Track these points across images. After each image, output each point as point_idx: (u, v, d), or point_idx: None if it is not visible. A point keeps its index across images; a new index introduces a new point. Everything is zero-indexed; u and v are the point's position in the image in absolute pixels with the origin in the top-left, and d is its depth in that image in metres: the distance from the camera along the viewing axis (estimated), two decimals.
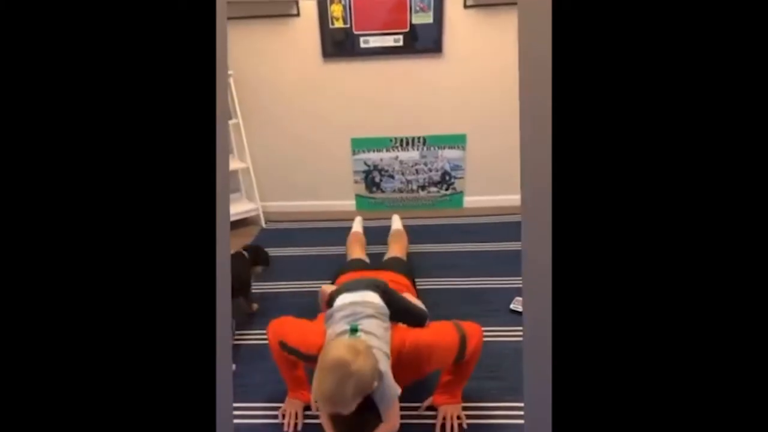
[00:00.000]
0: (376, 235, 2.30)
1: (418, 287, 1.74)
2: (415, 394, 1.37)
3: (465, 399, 1.33)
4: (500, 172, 2.59)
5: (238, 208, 2.65)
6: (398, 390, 1.10)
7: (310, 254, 2.30)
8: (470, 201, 2.76)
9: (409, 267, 1.86)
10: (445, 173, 2.71)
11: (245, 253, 1.82)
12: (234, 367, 1.68)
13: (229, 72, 2.37)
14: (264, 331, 1.67)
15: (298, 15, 2.40)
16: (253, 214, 2.67)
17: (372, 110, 2.59)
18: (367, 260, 1.94)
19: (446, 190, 2.75)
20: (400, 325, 1.27)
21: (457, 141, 2.62)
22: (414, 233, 2.29)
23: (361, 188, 2.77)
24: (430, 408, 1.34)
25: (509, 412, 1.32)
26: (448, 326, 1.25)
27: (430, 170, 2.71)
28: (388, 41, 2.41)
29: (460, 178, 2.71)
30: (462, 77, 2.48)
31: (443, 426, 1.28)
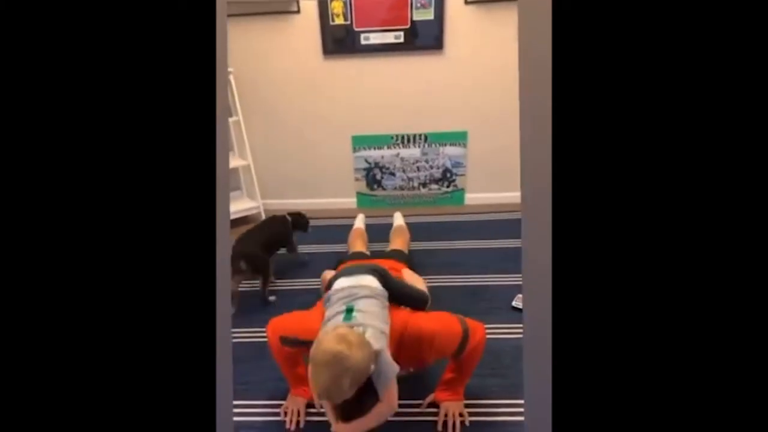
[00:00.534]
0: (378, 233, 2.29)
1: None
2: (416, 391, 1.37)
3: (467, 396, 1.33)
4: (501, 169, 2.59)
5: (239, 206, 2.65)
6: (396, 368, 1.09)
7: (311, 251, 2.30)
8: (471, 198, 2.75)
9: (410, 259, 1.86)
10: (446, 170, 2.70)
11: (288, 217, 2.13)
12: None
13: (230, 69, 2.36)
14: (264, 329, 1.68)
15: (298, 12, 2.39)
16: (254, 212, 2.67)
17: (373, 107, 2.59)
18: (368, 253, 1.94)
19: (447, 187, 2.74)
20: (403, 308, 1.27)
21: (459, 138, 2.62)
22: (415, 231, 2.29)
23: (362, 186, 2.77)
24: (432, 405, 1.33)
25: (511, 409, 1.32)
26: (453, 318, 1.24)
27: (431, 167, 2.70)
28: (389, 38, 2.40)
29: (462, 175, 2.71)
30: (463, 74, 2.47)
31: (445, 423, 1.28)
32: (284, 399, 1.37)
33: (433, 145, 2.64)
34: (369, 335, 1.06)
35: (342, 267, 1.45)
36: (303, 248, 2.34)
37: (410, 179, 2.73)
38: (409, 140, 2.64)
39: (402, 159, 2.69)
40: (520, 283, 1.82)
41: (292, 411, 1.32)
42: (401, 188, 2.76)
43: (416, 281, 1.50)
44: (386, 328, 1.13)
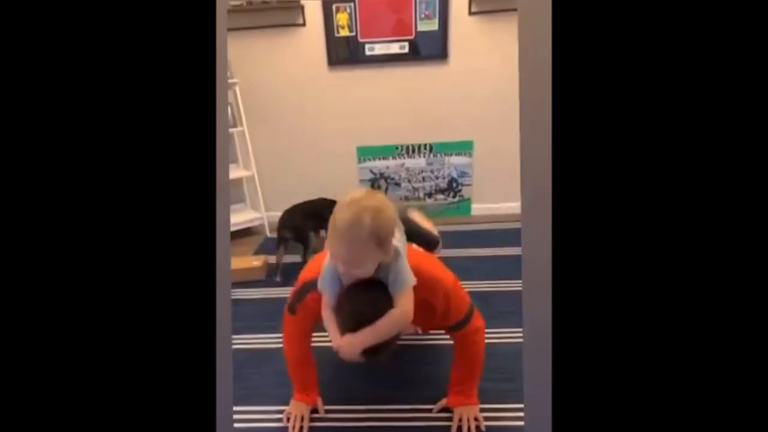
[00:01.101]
0: None
1: None
2: (427, 395, 1.29)
3: (481, 401, 1.25)
4: (508, 179, 2.55)
5: (242, 217, 2.61)
6: (413, 278, 1.02)
7: None
8: (478, 209, 2.71)
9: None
10: (452, 180, 2.67)
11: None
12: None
13: (235, 80, 2.38)
14: (267, 335, 1.61)
15: (304, 24, 2.42)
16: (257, 223, 2.63)
17: (378, 118, 2.58)
18: None
19: (453, 197, 2.71)
20: (414, 246, 1.20)
21: (464, 148, 2.60)
22: None
23: None
24: (444, 410, 1.25)
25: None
26: (464, 290, 1.19)
27: (437, 177, 2.67)
28: (394, 48, 2.42)
29: (468, 185, 2.67)
30: (468, 83, 2.47)
31: (459, 428, 1.19)
32: (287, 405, 1.29)
33: (439, 155, 2.63)
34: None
35: None
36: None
37: (416, 189, 2.70)
38: (414, 150, 2.63)
39: (407, 169, 2.66)
40: None
41: (296, 417, 1.24)
42: (407, 199, 2.72)
43: (426, 223, 1.43)
44: (404, 247, 1.05)
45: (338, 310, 1.03)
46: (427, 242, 1.24)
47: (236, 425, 1.25)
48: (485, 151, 2.58)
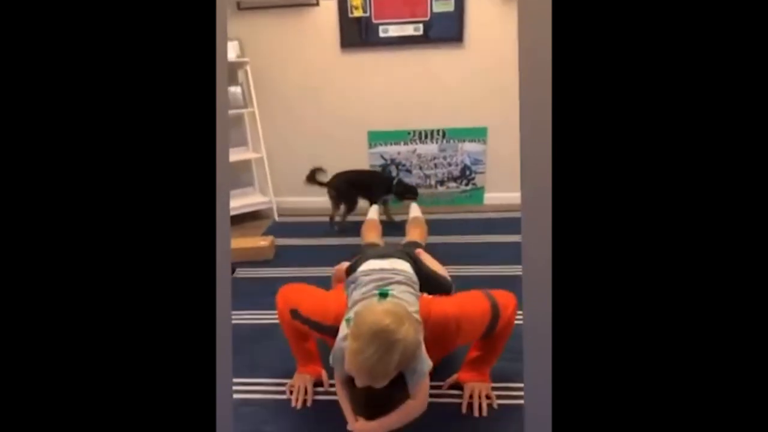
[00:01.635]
0: (392, 229, 2.19)
1: None
2: (438, 373, 1.23)
3: (493, 380, 1.19)
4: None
5: (250, 200, 2.57)
6: (430, 364, 0.98)
7: (323, 244, 2.20)
8: (491, 197, 2.65)
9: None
10: (465, 168, 2.61)
11: (394, 179, 2.43)
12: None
13: (246, 59, 2.35)
14: (270, 312, 1.56)
15: (317, 4, 2.39)
16: (265, 206, 2.59)
17: (390, 102, 2.54)
18: (383, 244, 1.83)
19: (466, 185, 2.64)
20: (424, 294, 1.15)
21: (478, 134, 2.54)
22: (433, 226, 2.17)
23: None
24: (455, 387, 1.19)
25: None
26: (478, 296, 1.12)
27: (450, 164, 2.61)
28: (408, 30, 2.37)
29: (481, 173, 2.61)
30: (483, 67, 2.42)
31: (470, 405, 1.13)
32: (290, 378, 1.23)
33: (452, 141, 2.57)
34: None
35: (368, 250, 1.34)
36: (315, 241, 2.25)
37: (427, 177, 2.65)
38: (426, 136, 2.57)
39: (419, 155, 2.61)
40: None
41: (299, 388, 1.18)
42: (418, 186, 2.66)
43: (437, 266, 1.38)
44: (420, 319, 1.01)
45: (352, 392, 0.97)
46: (440, 289, 1.20)
47: (238, 396, 1.20)
48: (500, 138, 2.52)
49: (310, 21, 2.42)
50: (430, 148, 2.60)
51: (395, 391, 0.93)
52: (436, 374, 1.22)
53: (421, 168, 2.63)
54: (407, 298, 1.03)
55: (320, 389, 1.21)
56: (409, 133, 2.58)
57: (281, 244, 2.17)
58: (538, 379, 0.41)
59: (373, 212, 2.20)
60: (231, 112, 2.37)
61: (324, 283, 1.36)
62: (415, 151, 2.60)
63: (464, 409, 1.13)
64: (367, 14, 2.36)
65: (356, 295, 1.05)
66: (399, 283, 1.07)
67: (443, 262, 1.52)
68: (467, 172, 2.62)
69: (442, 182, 2.65)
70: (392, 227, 2.24)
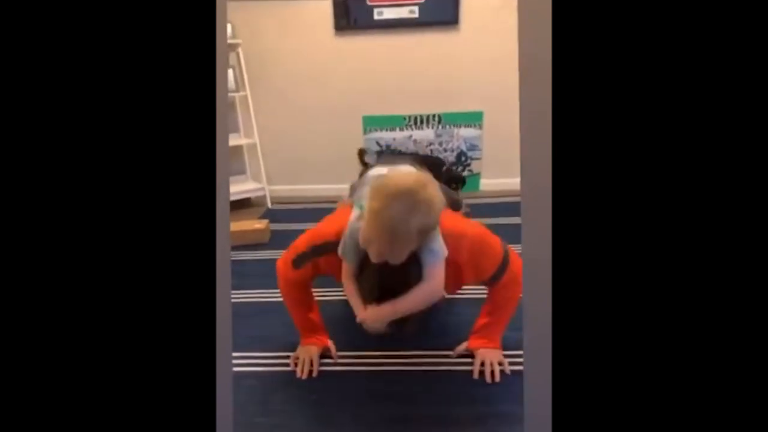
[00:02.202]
0: None
1: None
2: (448, 341, 1.20)
3: (504, 348, 1.15)
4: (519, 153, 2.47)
5: (242, 187, 2.52)
6: (445, 251, 0.93)
7: None
8: (487, 183, 2.63)
9: None
10: (461, 153, 2.59)
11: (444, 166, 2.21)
12: None
13: (238, 41, 2.30)
14: (267, 290, 1.52)
15: None
16: (259, 194, 2.53)
17: (385, 86, 2.51)
18: None
19: (462, 171, 2.62)
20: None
21: (474, 119, 2.52)
22: None
23: None
24: (465, 356, 1.15)
25: None
26: (494, 237, 1.07)
27: (446, 150, 2.59)
28: (403, 12, 2.35)
29: (477, 159, 2.59)
30: (479, 51, 2.40)
31: (482, 372, 1.09)
32: (292, 352, 1.18)
33: (448, 127, 2.54)
34: None
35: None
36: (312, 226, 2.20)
37: None
38: (422, 121, 2.54)
39: (415, 141, 2.58)
40: None
41: (304, 360, 1.13)
42: None
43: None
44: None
45: (363, 278, 0.94)
46: (454, 205, 1.16)
47: (239, 369, 1.14)
48: (496, 123, 2.50)
49: (303, 3, 2.38)
50: (426, 134, 2.57)
51: (409, 272, 0.88)
52: (446, 343, 1.19)
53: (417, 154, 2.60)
54: None
55: (328, 360, 1.16)
56: (404, 119, 2.55)
57: (276, 228, 2.12)
58: (538, 379, 0.41)
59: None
60: None
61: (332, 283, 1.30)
62: (411, 137, 2.57)
63: (475, 375, 1.09)
64: None
65: (365, 190, 0.99)
66: None
67: None
68: (463, 158, 2.60)
69: None
70: None
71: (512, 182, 2.55)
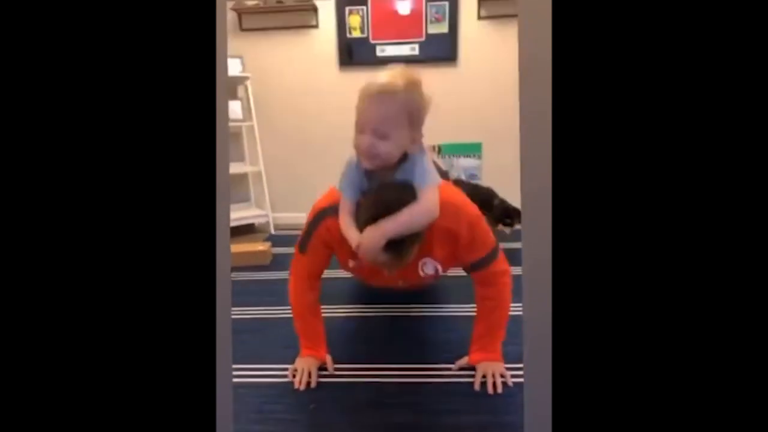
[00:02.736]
0: None
1: None
2: (446, 356, 1.19)
3: (506, 361, 1.14)
4: (518, 182, 2.52)
5: (247, 213, 2.55)
6: (439, 179, 0.97)
7: None
8: None
9: None
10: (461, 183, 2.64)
11: (497, 201, 2.18)
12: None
13: (247, 75, 2.41)
14: (268, 308, 1.52)
15: (317, 26, 2.49)
16: (262, 220, 2.56)
17: None
18: None
19: None
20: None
21: (473, 150, 2.59)
22: None
23: None
24: (467, 369, 1.14)
25: None
26: (489, 228, 1.10)
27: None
28: (405, 50, 2.48)
29: None
30: (476, 86, 2.51)
31: (483, 384, 1.07)
32: (291, 365, 1.17)
33: (447, 157, 2.61)
34: None
35: None
36: None
37: None
38: None
39: None
40: None
41: (302, 371, 1.12)
42: None
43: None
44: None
45: (359, 206, 0.97)
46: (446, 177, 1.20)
47: (235, 381, 1.13)
48: (494, 154, 2.57)
49: (310, 41, 2.52)
50: None
51: (404, 198, 0.90)
52: (445, 359, 1.18)
53: None
54: None
55: (325, 372, 1.15)
56: None
57: (278, 252, 2.13)
58: (538, 388, 0.41)
59: None
60: (230, 124, 2.39)
61: (327, 287, 1.30)
62: None
63: (476, 387, 1.07)
64: (365, 35, 2.47)
65: None
66: None
67: None
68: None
69: None
70: None
71: None
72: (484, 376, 1.09)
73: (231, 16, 2.48)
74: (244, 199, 2.69)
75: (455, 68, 2.51)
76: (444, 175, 1.25)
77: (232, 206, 2.63)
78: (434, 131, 2.53)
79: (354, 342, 1.33)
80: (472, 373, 1.11)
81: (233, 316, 1.48)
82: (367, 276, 1.25)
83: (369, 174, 1.00)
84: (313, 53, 2.53)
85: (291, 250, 2.15)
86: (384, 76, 0.92)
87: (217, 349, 0.39)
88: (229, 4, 2.42)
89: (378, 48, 2.48)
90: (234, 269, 1.91)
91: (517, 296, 1.11)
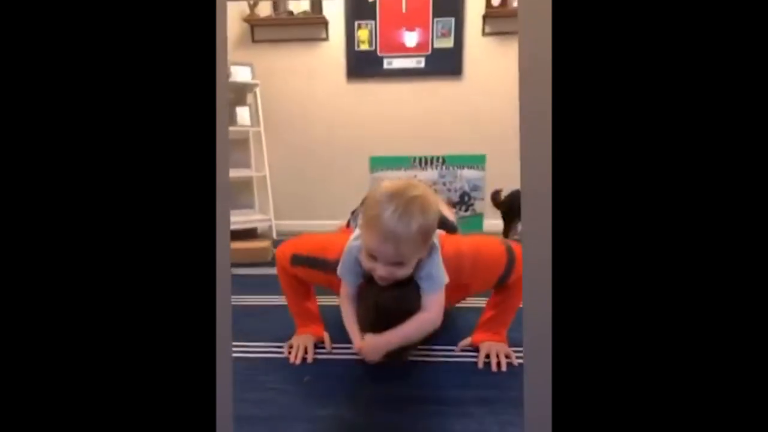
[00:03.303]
0: None
1: None
2: (449, 338, 1.15)
3: (510, 344, 1.10)
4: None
5: (250, 218, 2.55)
6: (446, 278, 0.93)
7: None
8: (490, 224, 2.65)
9: None
10: (464, 194, 2.64)
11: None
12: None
13: (257, 82, 2.47)
14: (266, 296, 1.49)
15: (327, 39, 2.58)
16: (265, 225, 2.56)
17: (392, 129, 2.64)
18: None
19: (465, 211, 2.65)
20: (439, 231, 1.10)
21: (477, 161, 2.60)
22: None
23: None
24: (470, 350, 1.10)
25: None
26: (493, 239, 1.08)
27: (449, 190, 2.64)
28: (411, 63, 2.55)
29: (480, 199, 2.63)
30: (481, 98, 2.56)
31: (487, 364, 1.03)
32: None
33: (451, 168, 2.62)
34: None
35: None
36: None
37: None
38: (426, 162, 2.63)
39: (419, 181, 2.64)
40: None
41: (298, 346, 1.08)
42: None
43: (444, 207, 1.35)
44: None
45: (361, 305, 0.95)
46: (447, 230, 1.18)
47: (235, 355, 1.09)
48: (498, 166, 2.58)
49: (319, 53, 2.59)
50: (430, 174, 2.64)
51: (407, 300, 0.87)
52: (447, 339, 1.14)
53: None
54: None
55: (322, 350, 1.11)
56: (410, 160, 2.64)
57: None
58: (538, 378, 0.40)
59: None
60: (237, 129, 2.43)
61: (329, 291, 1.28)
62: (415, 176, 2.64)
63: (480, 365, 1.03)
64: (373, 48, 2.54)
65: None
66: None
67: None
68: (466, 198, 2.64)
69: None
70: None
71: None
72: (487, 356, 1.05)
73: (244, 28, 2.57)
74: (248, 204, 2.70)
75: (460, 81, 2.57)
76: (453, 228, 1.23)
77: (236, 210, 2.63)
78: (438, 142, 2.58)
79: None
80: (476, 354, 1.07)
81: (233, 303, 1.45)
82: None
83: None
84: (322, 64, 2.60)
85: None
86: (394, 205, 0.83)
87: (217, 330, 0.39)
88: (242, 15, 2.51)
89: (385, 60, 2.55)
90: (233, 264, 1.89)
91: None
